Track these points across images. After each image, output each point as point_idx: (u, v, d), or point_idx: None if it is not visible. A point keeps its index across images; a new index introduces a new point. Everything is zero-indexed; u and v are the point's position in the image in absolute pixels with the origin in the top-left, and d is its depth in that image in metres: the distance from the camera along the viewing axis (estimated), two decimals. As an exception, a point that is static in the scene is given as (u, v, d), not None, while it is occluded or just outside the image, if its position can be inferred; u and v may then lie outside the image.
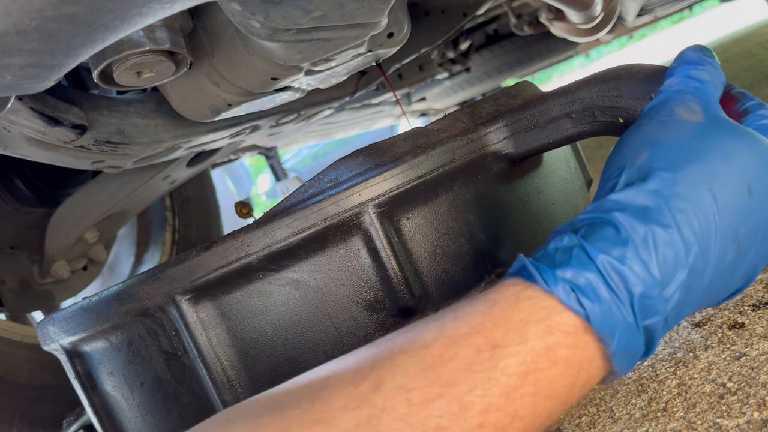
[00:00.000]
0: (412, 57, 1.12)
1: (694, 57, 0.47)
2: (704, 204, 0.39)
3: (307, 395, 0.36)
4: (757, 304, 0.58)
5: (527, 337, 0.36)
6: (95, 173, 1.14)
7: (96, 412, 0.65)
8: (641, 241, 0.37)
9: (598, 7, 0.94)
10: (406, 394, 0.35)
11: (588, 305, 0.36)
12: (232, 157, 1.77)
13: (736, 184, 0.40)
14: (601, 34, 1.10)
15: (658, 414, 0.49)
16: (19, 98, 0.65)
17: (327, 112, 1.17)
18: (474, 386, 0.35)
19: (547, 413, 0.37)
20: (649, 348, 0.39)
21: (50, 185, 1.23)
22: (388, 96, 1.62)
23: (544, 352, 0.36)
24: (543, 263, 0.39)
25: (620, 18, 1.20)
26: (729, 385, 0.48)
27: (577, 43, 1.84)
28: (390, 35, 0.68)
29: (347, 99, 1.15)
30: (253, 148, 1.77)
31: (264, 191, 5.75)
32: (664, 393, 0.51)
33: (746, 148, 0.41)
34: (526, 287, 0.38)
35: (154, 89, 0.82)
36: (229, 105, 0.71)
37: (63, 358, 0.65)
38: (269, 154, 2.55)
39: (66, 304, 1.20)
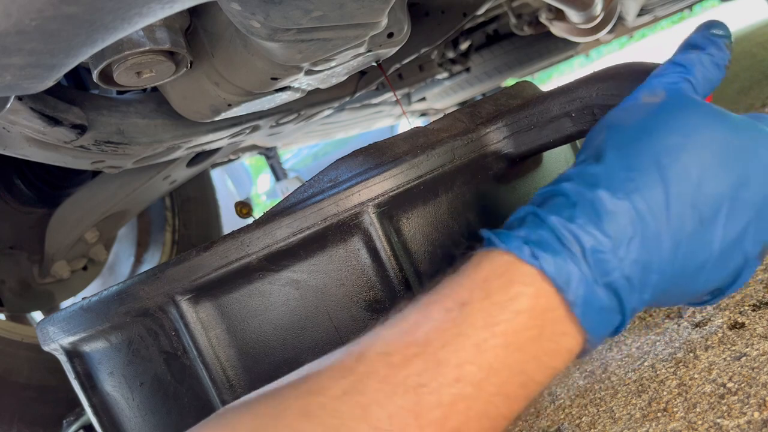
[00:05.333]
0: (412, 57, 1.12)
1: (697, 40, 0.47)
2: (652, 173, 0.40)
3: (299, 377, 0.40)
4: (757, 304, 0.58)
5: (490, 292, 0.38)
6: (95, 173, 1.14)
7: (96, 412, 0.65)
8: (589, 204, 0.40)
9: (598, 7, 0.94)
10: (386, 358, 0.37)
11: (541, 255, 0.39)
12: (232, 157, 1.77)
13: (689, 155, 0.41)
14: (601, 34, 1.10)
15: (659, 414, 0.49)
16: (19, 98, 0.65)
17: (327, 112, 1.17)
18: (446, 342, 0.37)
19: (521, 368, 0.38)
20: (623, 314, 0.40)
21: (50, 185, 1.23)
22: (388, 96, 1.62)
23: (507, 303, 0.38)
24: (501, 231, 0.42)
25: (620, 18, 1.20)
26: (729, 385, 0.48)
27: (577, 43, 1.83)
28: (390, 35, 0.68)
29: (347, 99, 1.15)
30: (253, 148, 1.77)
31: (264, 191, 5.74)
32: (665, 393, 0.51)
33: (701, 122, 0.42)
34: (487, 252, 0.41)
35: (154, 89, 0.82)
36: (229, 105, 0.71)
37: (63, 358, 0.65)
38: (269, 154, 2.55)
39: (66, 304, 1.20)
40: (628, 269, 0.39)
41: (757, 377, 0.47)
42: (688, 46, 0.48)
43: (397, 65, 1.15)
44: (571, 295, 0.38)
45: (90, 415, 0.66)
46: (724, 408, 0.46)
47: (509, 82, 2.12)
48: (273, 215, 0.54)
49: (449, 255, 0.55)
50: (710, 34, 0.48)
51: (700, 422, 0.45)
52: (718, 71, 0.47)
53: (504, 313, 0.38)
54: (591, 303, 0.39)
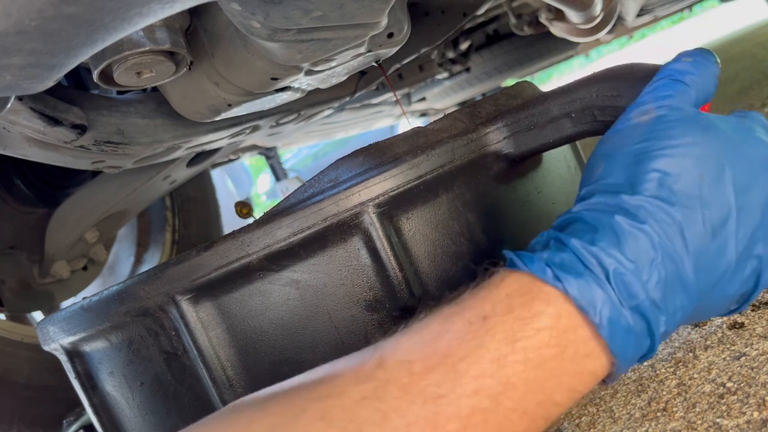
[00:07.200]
0: (412, 57, 1.12)
1: (678, 68, 0.48)
2: (660, 197, 0.41)
3: (316, 378, 0.39)
4: (757, 304, 0.58)
5: (512, 307, 0.39)
6: (95, 173, 1.14)
7: (96, 412, 0.65)
8: (609, 228, 0.40)
9: (598, 7, 0.94)
10: (407, 366, 0.37)
11: (564, 277, 0.39)
12: (232, 157, 1.78)
13: (688, 171, 0.41)
14: (601, 34, 1.10)
15: (658, 414, 0.49)
16: (19, 98, 0.65)
17: (327, 112, 1.18)
18: (467, 354, 0.38)
19: (539, 386, 0.38)
20: (652, 337, 0.40)
21: (50, 185, 1.23)
22: (388, 96, 1.62)
23: (528, 319, 0.39)
24: (524, 252, 0.43)
25: (620, 18, 1.20)
26: (729, 385, 0.48)
27: (577, 43, 1.83)
28: (390, 35, 0.68)
29: (347, 99, 1.15)
30: (253, 148, 1.77)
31: (264, 191, 5.74)
32: (664, 393, 0.51)
33: (694, 135, 0.42)
34: (510, 272, 0.41)
35: (154, 89, 0.82)
36: (229, 105, 0.71)
37: (63, 358, 0.65)
38: (269, 154, 2.55)
39: (66, 304, 1.20)
40: (653, 291, 0.39)
41: (757, 377, 0.47)
42: (672, 74, 0.47)
43: (397, 65, 1.15)
44: (597, 317, 0.38)
45: (90, 414, 0.66)
46: (724, 408, 0.46)
47: (509, 82, 2.12)
48: (273, 215, 0.54)
49: (455, 255, 0.55)
50: (691, 53, 0.48)
51: (699, 422, 0.46)
52: (711, 80, 0.47)
53: (525, 330, 0.38)
54: (618, 325, 0.39)
